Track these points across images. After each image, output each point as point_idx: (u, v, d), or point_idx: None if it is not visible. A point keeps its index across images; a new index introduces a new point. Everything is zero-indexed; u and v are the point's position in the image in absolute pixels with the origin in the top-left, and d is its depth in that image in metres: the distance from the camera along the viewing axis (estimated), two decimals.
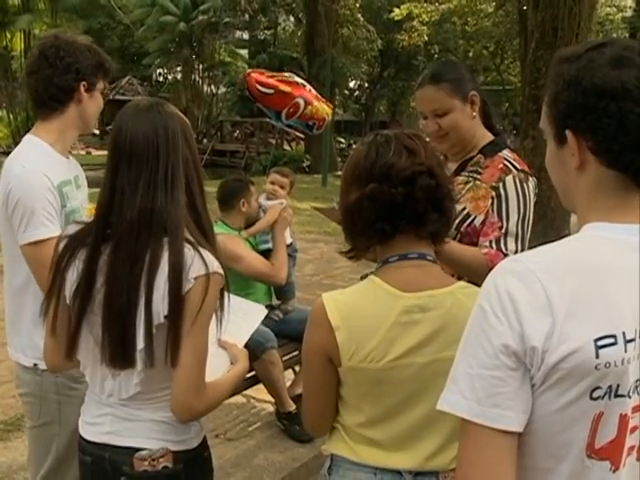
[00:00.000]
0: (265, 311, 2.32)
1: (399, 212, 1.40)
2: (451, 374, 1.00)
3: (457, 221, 2.15)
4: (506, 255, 2.07)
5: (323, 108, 8.94)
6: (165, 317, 1.47)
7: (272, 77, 9.02)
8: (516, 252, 2.10)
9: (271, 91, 8.70)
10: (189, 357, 1.49)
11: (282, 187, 3.89)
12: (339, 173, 19.03)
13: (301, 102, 8.70)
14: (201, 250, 1.50)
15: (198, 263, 1.48)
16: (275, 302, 3.97)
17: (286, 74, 9.56)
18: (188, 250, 1.49)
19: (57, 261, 1.59)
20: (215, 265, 1.51)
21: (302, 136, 23.92)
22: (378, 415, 1.44)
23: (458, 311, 1.39)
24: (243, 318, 2.10)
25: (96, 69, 2.20)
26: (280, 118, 9.11)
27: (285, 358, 3.77)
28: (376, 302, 1.40)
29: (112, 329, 1.52)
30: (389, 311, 1.38)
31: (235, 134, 30.86)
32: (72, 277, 1.57)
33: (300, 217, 11.20)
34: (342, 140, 31.36)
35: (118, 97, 28.99)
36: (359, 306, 1.41)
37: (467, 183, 2.22)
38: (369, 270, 1.56)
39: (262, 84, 8.84)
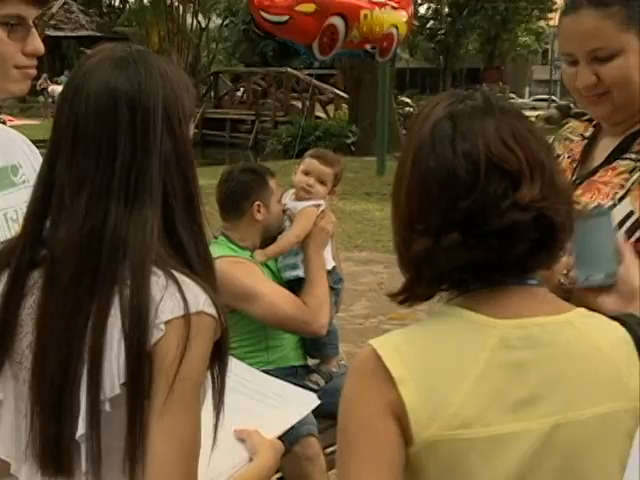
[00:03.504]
0: (317, 401, 2.28)
1: (490, 265, 1.42)
2: None
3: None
4: None
5: (385, 19, 8.55)
6: (122, 385, 1.46)
7: None
8: None
9: (284, 18, 8.36)
10: (165, 448, 1.45)
11: (322, 182, 3.83)
12: None
13: (338, 23, 8.30)
14: (179, 278, 1.49)
15: (172, 299, 1.46)
16: (313, 362, 3.99)
17: None
18: (157, 278, 1.48)
19: None
20: (202, 301, 1.48)
21: (345, 96, 23.77)
22: None
23: (581, 347, 1.43)
24: (280, 405, 2.15)
25: None
26: (313, 55, 8.80)
27: (328, 450, 3.70)
28: (456, 335, 1.42)
29: (44, 407, 1.52)
30: (478, 346, 1.39)
31: (238, 93, 31.00)
32: None
33: (345, 225, 11.15)
34: (408, 101, 31.27)
35: (48, 33, 29.01)
36: (430, 343, 1.42)
37: (633, 172, 2.23)
38: None
39: (269, 8, 8.40)
